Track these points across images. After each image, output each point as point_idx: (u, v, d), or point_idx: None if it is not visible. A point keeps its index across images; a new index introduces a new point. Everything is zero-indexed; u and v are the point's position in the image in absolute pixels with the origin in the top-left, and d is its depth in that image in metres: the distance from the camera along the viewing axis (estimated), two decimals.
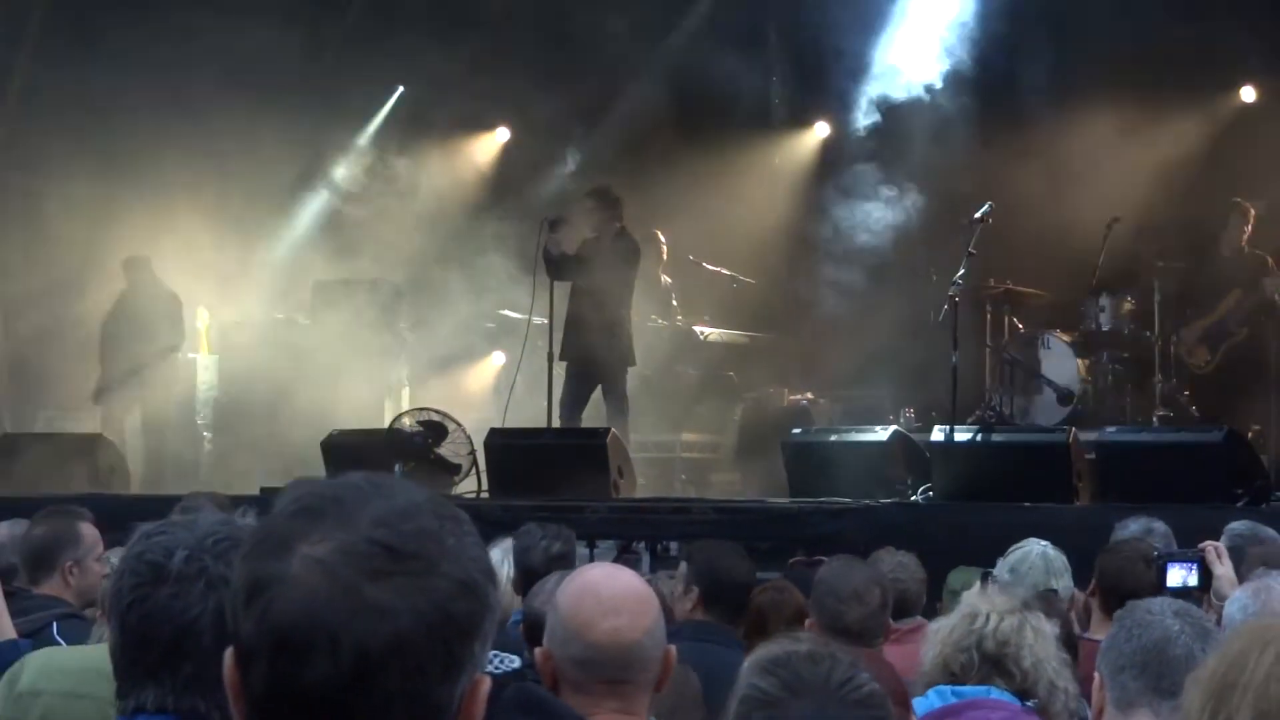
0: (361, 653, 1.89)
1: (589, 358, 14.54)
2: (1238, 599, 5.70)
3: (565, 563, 7.05)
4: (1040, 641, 4.49)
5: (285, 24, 17.37)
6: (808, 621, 6.10)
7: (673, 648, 3.87)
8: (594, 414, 14.90)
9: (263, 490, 12.55)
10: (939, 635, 4.52)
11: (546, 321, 14.66)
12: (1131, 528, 7.90)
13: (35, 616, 6.19)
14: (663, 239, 17.93)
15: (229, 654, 1.97)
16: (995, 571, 7.24)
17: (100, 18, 17.47)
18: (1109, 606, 6.18)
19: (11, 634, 5.44)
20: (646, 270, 17.44)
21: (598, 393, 14.83)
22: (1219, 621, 5.64)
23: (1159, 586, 6.37)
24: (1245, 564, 6.82)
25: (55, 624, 6.21)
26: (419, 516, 1.97)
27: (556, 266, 14.48)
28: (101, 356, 16.73)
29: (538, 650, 3.91)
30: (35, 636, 5.86)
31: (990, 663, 4.47)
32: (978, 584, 6.52)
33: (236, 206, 18.19)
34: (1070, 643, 5.44)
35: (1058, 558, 7.38)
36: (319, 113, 18.93)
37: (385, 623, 1.89)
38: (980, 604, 4.51)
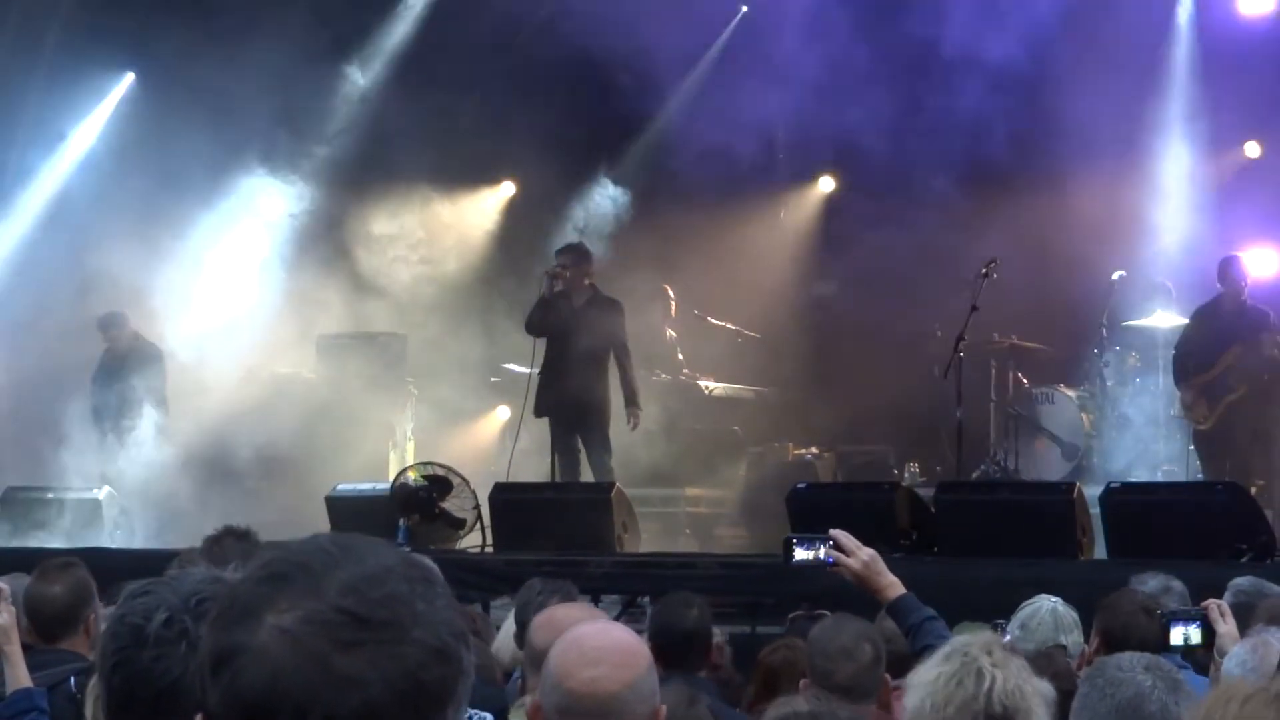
0: None
1: (561, 414, 14.75)
2: (1236, 654, 5.68)
3: None
4: (1038, 702, 4.40)
5: (291, 80, 17.42)
6: (802, 682, 6.06)
7: (664, 707, 3.86)
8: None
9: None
10: (935, 686, 4.38)
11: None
12: (1150, 584, 7.85)
13: (53, 671, 6.16)
14: (671, 294, 18.00)
15: None
16: (1008, 627, 7.23)
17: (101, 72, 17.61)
18: None
19: (27, 683, 5.40)
20: (653, 324, 17.50)
21: None
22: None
23: (1164, 640, 6.35)
24: (1254, 617, 6.79)
25: (73, 679, 6.18)
26: (389, 582, 1.92)
27: (535, 322, 14.75)
28: (94, 419, 16.73)
29: (528, 699, 3.93)
30: (53, 691, 5.83)
31: None
32: (968, 634, 6.47)
33: (241, 260, 18.24)
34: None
35: (1067, 614, 7.37)
36: (324, 168, 18.97)
37: (354, 693, 1.86)
38: (982, 658, 4.38)
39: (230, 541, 8.04)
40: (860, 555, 5.90)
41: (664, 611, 7.17)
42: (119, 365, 16.61)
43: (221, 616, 1.93)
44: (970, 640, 4.45)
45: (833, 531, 5.96)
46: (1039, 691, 4.35)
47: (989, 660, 4.31)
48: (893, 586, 5.92)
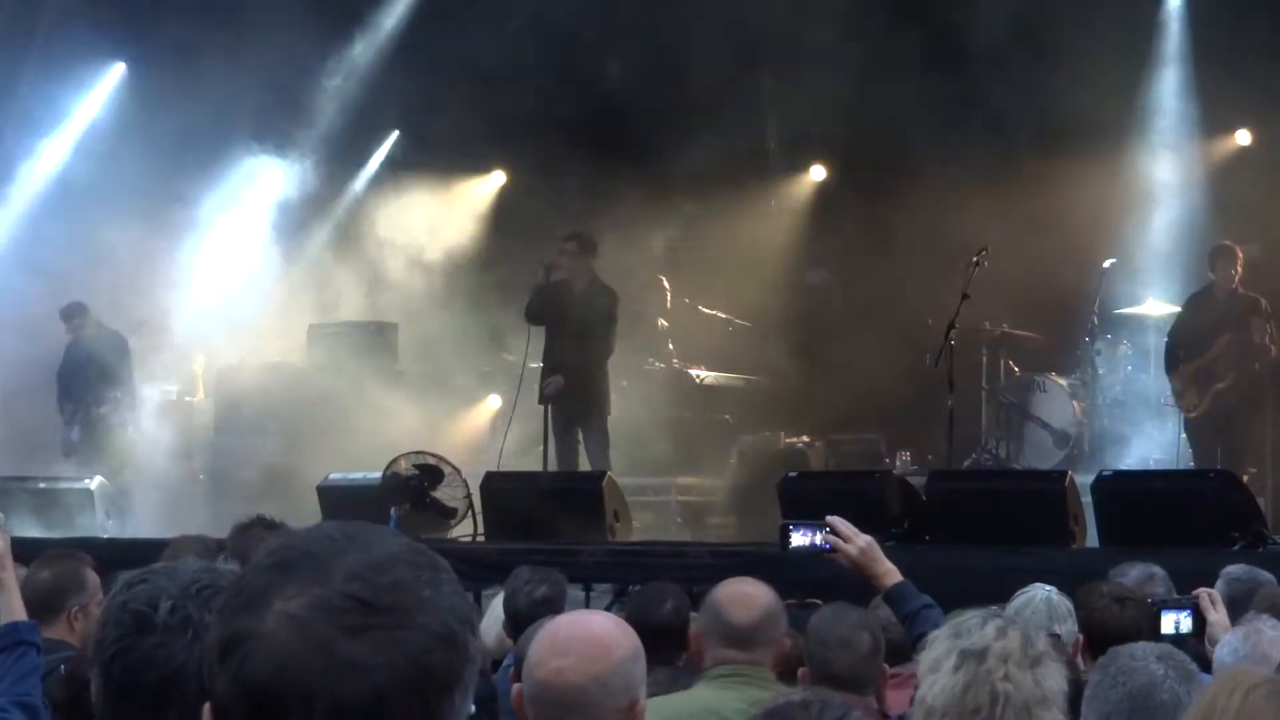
0: (336, 710, 1.87)
1: (560, 403, 14.74)
2: (1228, 642, 5.68)
3: (551, 607, 7.06)
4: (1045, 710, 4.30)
5: (282, 68, 17.39)
6: (800, 670, 6.05)
7: (643, 703, 3.85)
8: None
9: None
10: (946, 692, 4.26)
11: (541, 365, 14.84)
12: (1131, 575, 7.85)
13: (46, 659, 6.14)
14: (666, 285, 17.98)
15: (206, 709, 1.96)
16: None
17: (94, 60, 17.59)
18: (1094, 653, 6.13)
19: (21, 614, 5.36)
20: (646, 314, 17.50)
21: None
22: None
23: (1144, 626, 6.34)
24: (1252, 605, 6.79)
25: (62, 667, 6.16)
26: (394, 568, 1.94)
27: (533, 309, 14.73)
28: (60, 409, 16.75)
29: (514, 687, 3.94)
30: (44, 679, 5.81)
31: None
32: (990, 626, 6.43)
33: (232, 250, 18.23)
34: (1077, 689, 5.37)
35: (1061, 603, 7.36)
36: (315, 157, 18.95)
37: (360, 679, 1.88)
38: (997, 671, 4.24)
39: (259, 531, 7.99)
40: (857, 541, 5.89)
41: (638, 604, 7.14)
42: (86, 355, 16.60)
43: (229, 603, 1.95)
44: (987, 643, 4.29)
45: (829, 518, 5.95)
46: (1049, 697, 4.24)
47: (1002, 673, 4.19)
48: (889, 574, 5.91)
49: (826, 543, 5.89)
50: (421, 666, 1.90)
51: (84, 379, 16.53)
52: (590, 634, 3.85)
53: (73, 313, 16.68)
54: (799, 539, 5.97)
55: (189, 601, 2.92)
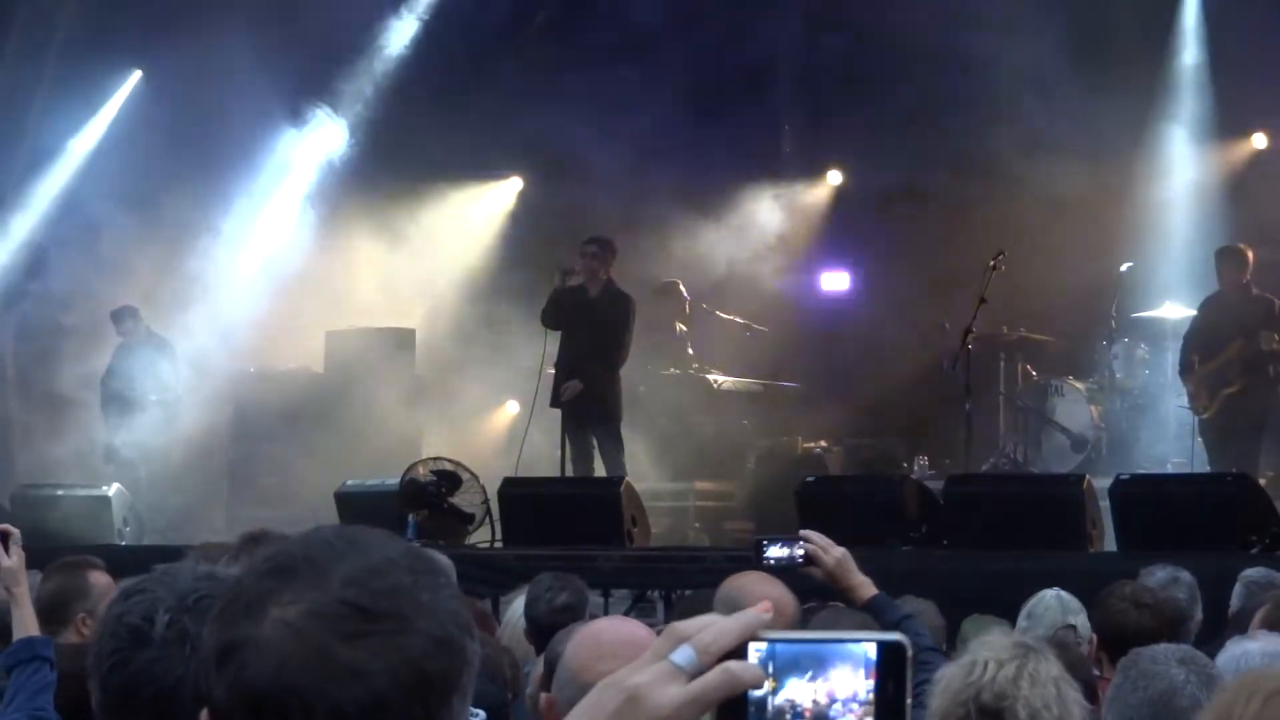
0: (336, 716, 1.87)
1: (573, 407, 14.75)
2: (1222, 659, 5.65)
3: (572, 614, 7.04)
4: (1036, 688, 4.27)
5: (297, 75, 17.43)
6: None
7: None
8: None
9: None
10: (938, 686, 4.34)
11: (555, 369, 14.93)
12: (1158, 576, 7.85)
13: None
14: (684, 290, 17.97)
15: (204, 716, 1.96)
16: (1019, 625, 7.26)
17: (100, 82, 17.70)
18: (1111, 655, 6.12)
19: (34, 628, 5.36)
20: (664, 319, 17.50)
21: None
22: None
23: (1162, 631, 6.34)
24: (1265, 606, 6.78)
25: None
26: (392, 573, 1.94)
27: (549, 313, 14.76)
28: (104, 413, 16.77)
29: (543, 696, 3.93)
30: None
31: (989, 716, 4.24)
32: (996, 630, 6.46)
33: (247, 256, 18.28)
34: (1090, 686, 5.35)
35: (1072, 600, 7.40)
36: (333, 163, 19.00)
37: (359, 685, 1.87)
38: (980, 651, 4.31)
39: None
40: (832, 553, 5.89)
41: (685, 612, 7.14)
42: (133, 360, 16.66)
43: (226, 610, 1.95)
44: (982, 645, 4.29)
45: (803, 531, 5.95)
46: (1041, 677, 4.19)
47: (987, 653, 4.18)
48: (864, 585, 5.88)
49: (800, 557, 5.89)
50: (420, 671, 1.90)
51: (132, 384, 16.56)
52: (634, 638, 3.86)
53: (124, 316, 16.76)
54: (774, 551, 5.97)
55: (186, 614, 2.88)
